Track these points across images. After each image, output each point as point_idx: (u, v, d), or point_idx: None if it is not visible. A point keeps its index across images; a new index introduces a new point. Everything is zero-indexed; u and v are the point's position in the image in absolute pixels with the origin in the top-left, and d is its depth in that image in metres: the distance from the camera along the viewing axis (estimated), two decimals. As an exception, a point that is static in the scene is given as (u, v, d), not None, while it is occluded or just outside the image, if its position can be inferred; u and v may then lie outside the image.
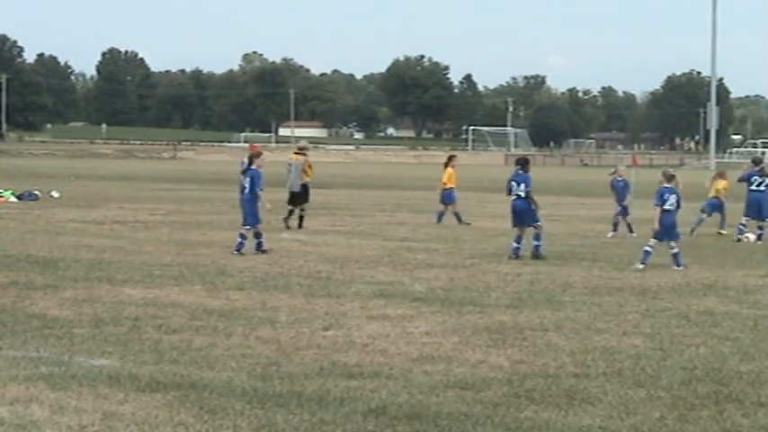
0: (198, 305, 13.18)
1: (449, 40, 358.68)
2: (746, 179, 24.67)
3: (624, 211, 25.06)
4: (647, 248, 18.17)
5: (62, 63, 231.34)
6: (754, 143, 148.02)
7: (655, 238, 18.27)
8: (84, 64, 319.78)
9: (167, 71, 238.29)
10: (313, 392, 8.70)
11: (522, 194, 19.69)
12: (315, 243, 21.75)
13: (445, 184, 27.93)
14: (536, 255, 19.31)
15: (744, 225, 24.33)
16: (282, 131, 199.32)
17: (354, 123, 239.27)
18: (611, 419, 8.09)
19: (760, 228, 24.13)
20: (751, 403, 8.68)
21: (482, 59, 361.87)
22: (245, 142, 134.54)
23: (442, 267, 17.78)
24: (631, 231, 24.39)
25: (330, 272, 16.86)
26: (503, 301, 13.92)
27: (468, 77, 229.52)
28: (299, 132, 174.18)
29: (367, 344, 10.86)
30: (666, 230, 18.15)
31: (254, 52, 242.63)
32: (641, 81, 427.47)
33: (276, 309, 13.01)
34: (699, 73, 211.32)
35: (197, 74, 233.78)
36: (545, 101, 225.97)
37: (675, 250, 18.08)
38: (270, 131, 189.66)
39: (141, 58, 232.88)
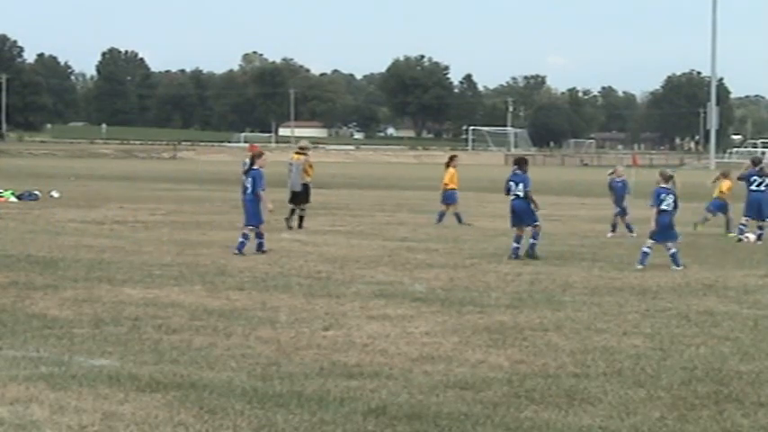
0: (198, 305, 13.18)
1: (449, 40, 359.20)
2: (746, 179, 24.68)
3: (623, 212, 25.06)
4: (645, 249, 18.16)
5: (62, 63, 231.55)
6: (754, 143, 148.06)
7: (652, 238, 18.26)
8: (84, 64, 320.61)
9: (167, 71, 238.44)
10: (313, 392, 8.70)
11: (521, 194, 19.72)
12: (315, 243, 21.75)
13: (447, 184, 27.90)
14: (531, 254, 19.32)
15: (744, 225, 24.34)
16: (282, 131, 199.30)
17: (354, 123, 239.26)
18: (611, 419, 8.09)
19: (760, 228, 24.13)
20: (751, 403, 8.67)
21: (482, 59, 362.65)
22: (245, 142, 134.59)
23: (442, 267, 17.78)
24: (631, 231, 24.38)
25: (330, 272, 16.86)
26: (503, 301, 13.92)
27: (468, 77, 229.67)
28: (298, 132, 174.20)
29: (367, 344, 10.86)
30: (663, 231, 18.12)
31: (254, 52, 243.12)
32: (641, 81, 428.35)
33: (276, 309, 13.01)
34: (699, 73, 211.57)
35: (197, 74, 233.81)
36: (545, 101, 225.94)
37: (673, 251, 18.05)
38: (270, 131, 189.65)
39: (141, 58, 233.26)
